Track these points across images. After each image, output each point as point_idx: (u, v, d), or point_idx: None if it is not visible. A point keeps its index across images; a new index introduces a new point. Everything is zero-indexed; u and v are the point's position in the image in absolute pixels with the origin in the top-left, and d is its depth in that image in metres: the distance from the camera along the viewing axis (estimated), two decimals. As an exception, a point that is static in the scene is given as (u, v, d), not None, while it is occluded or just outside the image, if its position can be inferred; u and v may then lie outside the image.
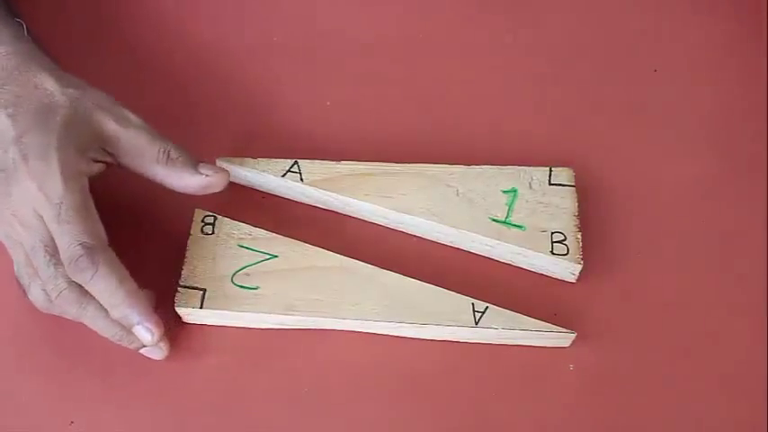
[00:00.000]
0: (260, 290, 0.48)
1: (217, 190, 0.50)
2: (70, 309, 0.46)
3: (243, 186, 0.54)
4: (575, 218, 0.51)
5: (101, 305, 0.45)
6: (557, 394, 0.48)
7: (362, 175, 0.52)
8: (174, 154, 0.49)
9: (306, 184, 0.52)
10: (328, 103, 0.58)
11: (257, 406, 0.47)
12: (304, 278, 0.49)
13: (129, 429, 0.47)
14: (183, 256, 0.49)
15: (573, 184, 0.52)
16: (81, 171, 0.46)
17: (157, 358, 0.48)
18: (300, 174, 0.53)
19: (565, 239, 0.50)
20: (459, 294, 0.48)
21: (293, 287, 0.49)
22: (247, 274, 0.49)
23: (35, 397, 0.48)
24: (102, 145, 0.48)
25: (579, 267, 0.50)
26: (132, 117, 0.49)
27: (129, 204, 0.53)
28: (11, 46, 0.49)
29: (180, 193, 0.50)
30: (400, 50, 0.61)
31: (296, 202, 0.54)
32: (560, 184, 0.52)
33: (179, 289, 0.48)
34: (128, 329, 0.46)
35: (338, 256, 0.50)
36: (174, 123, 0.55)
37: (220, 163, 0.53)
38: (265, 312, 0.48)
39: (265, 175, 0.53)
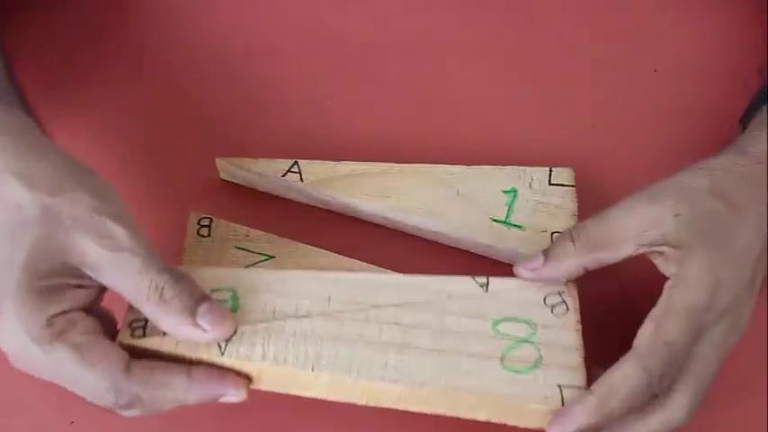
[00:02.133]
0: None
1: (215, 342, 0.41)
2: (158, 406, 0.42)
3: (242, 186, 0.54)
4: (575, 218, 0.51)
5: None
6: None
7: (362, 175, 0.52)
8: (168, 293, 0.39)
9: (305, 184, 0.52)
10: (328, 104, 0.58)
11: (257, 406, 0.47)
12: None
13: (129, 429, 0.47)
14: (181, 260, 0.49)
15: (573, 184, 0.52)
16: (53, 315, 0.39)
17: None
18: (300, 174, 0.53)
19: (565, 240, 0.50)
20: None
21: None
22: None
23: (35, 397, 0.48)
24: (83, 269, 0.39)
25: (579, 267, 0.49)
26: (120, 234, 0.39)
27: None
28: None
29: (176, 197, 0.49)
30: (400, 50, 0.61)
31: (295, 202, 0.54)
32: (560, 184, 0.52)
33: (179, 289, 0.48)
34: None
35: (338, 256, 0.50)
36: (173, 124, 0.55)
37: (220, 163, 0.53)
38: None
39: (265, 176, 0.53)
